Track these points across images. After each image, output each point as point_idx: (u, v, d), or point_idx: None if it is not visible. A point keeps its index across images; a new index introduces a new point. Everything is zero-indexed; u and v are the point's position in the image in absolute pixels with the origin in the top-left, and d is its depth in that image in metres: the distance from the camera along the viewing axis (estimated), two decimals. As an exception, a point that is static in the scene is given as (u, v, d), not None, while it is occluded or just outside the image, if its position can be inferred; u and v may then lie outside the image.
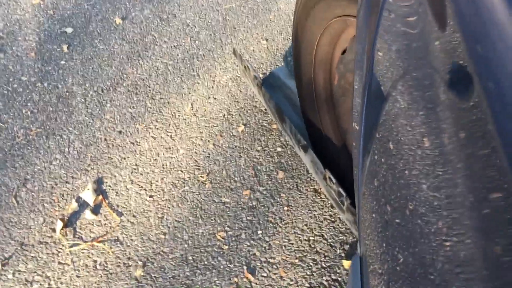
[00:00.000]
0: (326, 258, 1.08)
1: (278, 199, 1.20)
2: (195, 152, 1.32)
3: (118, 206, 1.19)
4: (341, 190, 0.97)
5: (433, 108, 0.40)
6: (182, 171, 1.27)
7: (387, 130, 0.48)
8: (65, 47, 1.67)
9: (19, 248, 1.12)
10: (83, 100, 1.48)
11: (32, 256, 1.10)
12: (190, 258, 1.09)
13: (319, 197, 1.19)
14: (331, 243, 1.10)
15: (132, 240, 1.13)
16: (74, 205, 1.19)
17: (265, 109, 1.42)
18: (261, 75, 1.52)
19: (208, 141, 1.34)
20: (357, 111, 0.59)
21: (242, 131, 1.37)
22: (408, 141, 0.44)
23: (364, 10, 0.55)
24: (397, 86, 0.46)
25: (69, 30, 1.75)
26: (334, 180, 0.99)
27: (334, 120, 1.10)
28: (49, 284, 1.05)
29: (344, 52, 0.97)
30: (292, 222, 1.15)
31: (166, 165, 1.29)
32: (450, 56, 0.37)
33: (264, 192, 1.21)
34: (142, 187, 1.23)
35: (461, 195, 0.37)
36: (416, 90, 0.43)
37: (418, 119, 0.42)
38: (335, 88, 1.06)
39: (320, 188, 1.21)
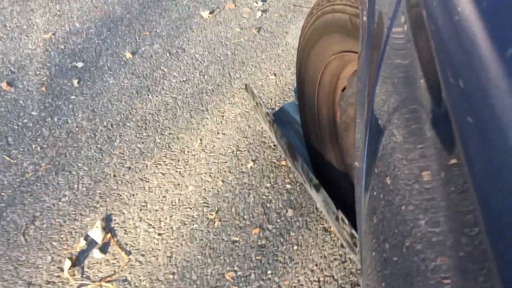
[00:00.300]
0: (337, 299, 1.14)
1: (287, 237, 1.27)
2: (204, 189, 1.41)
3: (126, 244, 1.28)
4: (353, 231, 1.05)
5: (428, 142, 0.44)
6: (191, 208, 1.36)
7: (384, 165, 0.53)
8: (75, 82, 1.81)
9: None
10: (92, 135, 1.60)
11: (40, 295, 1.18)
12: (199, 298, 1.16)
13: (328, 236, 1.27)
14: (342, 285, 1.17)
15: (140, 280, 1.20)
16: (82, 244, 1.28)
17: (274, 145, 1.52)
18: (270, 110, 1.63)
19: (217, 177, 1.44)
20: (358, 148, 0.65)
21: (251, 167, 1.46)
22: (404, 175, 0.48)
23: (365, 46, 0.61)
24: (393, 120, 0.51)
25: (80, 64, 1.90)
26: (346, 221, 1.07)
27: (339, 155, 1.20)
28: (56, 323, 1.13)
29: (344, 89, 1.08)
30: (302, 262, 1.22)
31: (175, 202, 1.38)
32: (440, 91, 0.42)
33: (274, 231, 1.29)
34: (150, 224, 1.33)
35: (457, 230, 0.41)
36: (411, 124, 0.47)
37: (414, 153, 0.47)
38: (338, 123, 1.16)
39: (330, 227, 1.29)
